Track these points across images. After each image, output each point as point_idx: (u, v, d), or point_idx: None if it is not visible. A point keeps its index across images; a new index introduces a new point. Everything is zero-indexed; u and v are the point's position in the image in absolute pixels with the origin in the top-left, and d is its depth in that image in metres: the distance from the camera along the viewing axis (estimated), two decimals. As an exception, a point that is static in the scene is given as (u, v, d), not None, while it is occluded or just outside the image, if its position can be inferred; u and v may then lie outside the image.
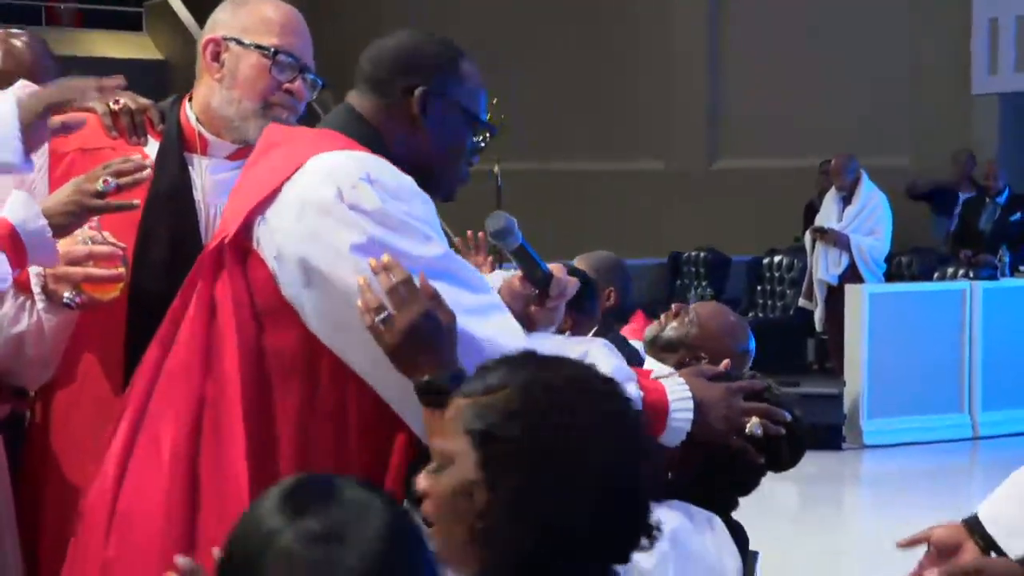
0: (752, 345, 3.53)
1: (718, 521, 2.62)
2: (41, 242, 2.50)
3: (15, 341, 2.64)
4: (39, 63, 3.37)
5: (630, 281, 5.37)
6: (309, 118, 2.80)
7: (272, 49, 2.75)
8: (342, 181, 2.33)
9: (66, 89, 2.45)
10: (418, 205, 2.38)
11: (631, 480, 1.86)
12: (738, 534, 2.67)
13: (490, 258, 4.21)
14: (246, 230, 2.41)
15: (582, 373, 1.91)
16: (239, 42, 2.76)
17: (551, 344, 2.58)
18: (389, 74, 2.49)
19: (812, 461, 9.55)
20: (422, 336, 2.22)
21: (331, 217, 2.32)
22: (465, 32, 15.43)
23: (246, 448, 2.35)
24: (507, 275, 2.78)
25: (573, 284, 2.74)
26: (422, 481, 1.91)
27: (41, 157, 2.77)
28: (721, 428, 2.50)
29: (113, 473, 2.43)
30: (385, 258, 2.24)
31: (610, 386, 1.92)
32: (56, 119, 2.54)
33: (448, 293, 2.28)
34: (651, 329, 3.59)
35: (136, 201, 2.60)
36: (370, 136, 2.47)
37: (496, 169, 11.63)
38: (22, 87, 2.96)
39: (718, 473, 2.63)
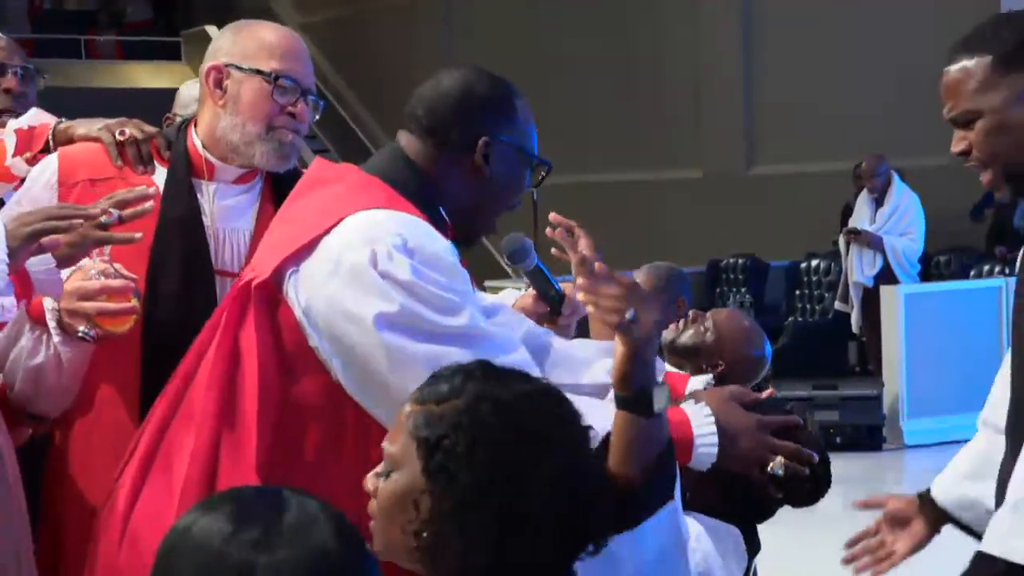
0: (768, 351, 3.59)
1: (734, 530, 2.66)
2: (47, 273, 2.54)
3: (34, 372, 2.65)
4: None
5: (690, 289, 5.44)
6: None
7: (273, 74, 2.77)
8: (378, 245, 2.33)
9: (50, 219, 2.47)
10: (450, 273, 2.38)
11: (575, 500, 1.85)
12: (750, 543, 2.71)
13: None
14: (277, 277, 2.41)
15: (534, 390, 1.91)
16: (240, 68, 2.79)
17: (583, 348, 2.61)
18: (448, 123, 2.49)
19: (853, 462, 9.57)
20: (655, 338, 2.19)
21: (361, 282, 2.32)
22: (494, 48, 15.53)
23: None
24: (518, 294, 2.83)
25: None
26: (369, 482, 1.92)
27: (50, 191, 2.83)
28: (744, 461, 2.45)
29: (128, 493, 2.47)
30: (601, 266, 2.21)
31: (562, 406, 1.93)
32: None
33: (470, 359, 2.26)
34: (667, 335, 3.66)
35: (139, 235, 2.59)
36: (420, 183, 2.48)
37: (531, 184, 11.65)
38: (35, 115, 3.07)
39: (733, 501, 2.63)
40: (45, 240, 2.46)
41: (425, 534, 1.83)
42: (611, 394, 2.38)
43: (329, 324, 2.36)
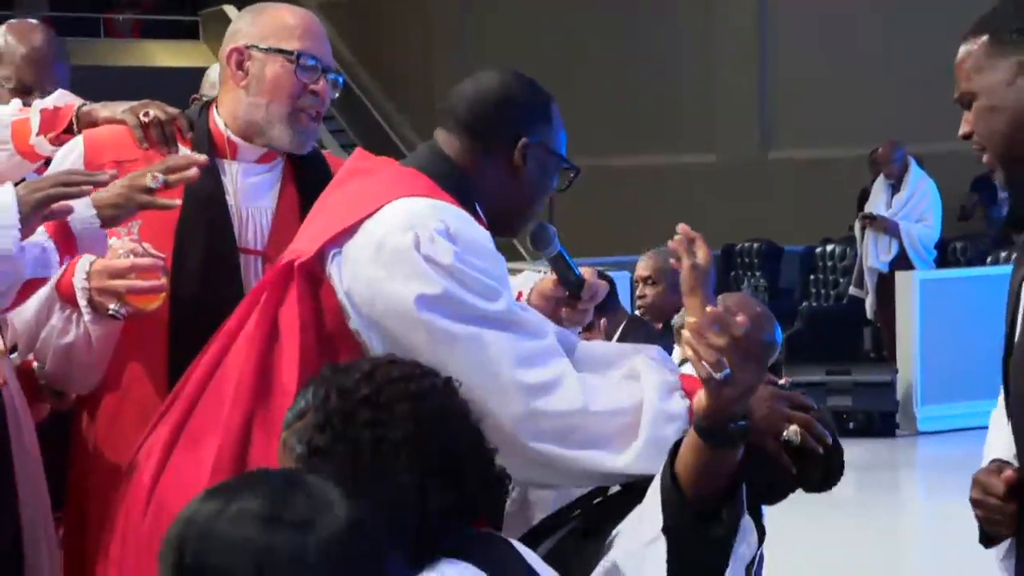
0: (779, 336, 3.59)
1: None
2: (90, 233, 2.57)
3: (65, 351, 2.73)
4: (55, 53, 3.53)
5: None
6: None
7: (295, 53, 2.82)
8: (421, 230, 2.40)
9: (61, 185, 2.50)
10: (489, 260, 2.46)
11: (444, 444, 1.98)
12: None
13: None
14: (320, 258, 2.47)
15: (377, 366, 2.03)
16: (262, 48, 2.83)
17: (605, 350, 2.68)
18: (490, 122, 2.58)
19: (867, 448, 9.58)
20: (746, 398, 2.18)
21: (404, 265, 2.39)
22: (510, 29, 15.53)
23: None
24: (536, 277, 2.88)
25: (603, 288, 2.83)
26: None
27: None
28: (761, 428, 2.41)
29: (154, 465, 2.52)
30: (716, 309, 2.16)
31: (404, 367, 2.04)
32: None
33: (508, 341, 2.36)
34: (679, 317, 3.67)
35: (177, 201, 2.64)
36: (456, 179, 2.55)
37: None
38: (60, 96, 3.10)
39: (745, 481, 2.61)
40: (56, 206, 2.49)
41: None
42: (628, 370, 2.45)
43: (370, 305, 2.42)
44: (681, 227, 2.71)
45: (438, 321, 2.37)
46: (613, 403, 2.42)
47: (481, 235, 2.48)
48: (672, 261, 2.41)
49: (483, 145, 2.58)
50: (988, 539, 2.54)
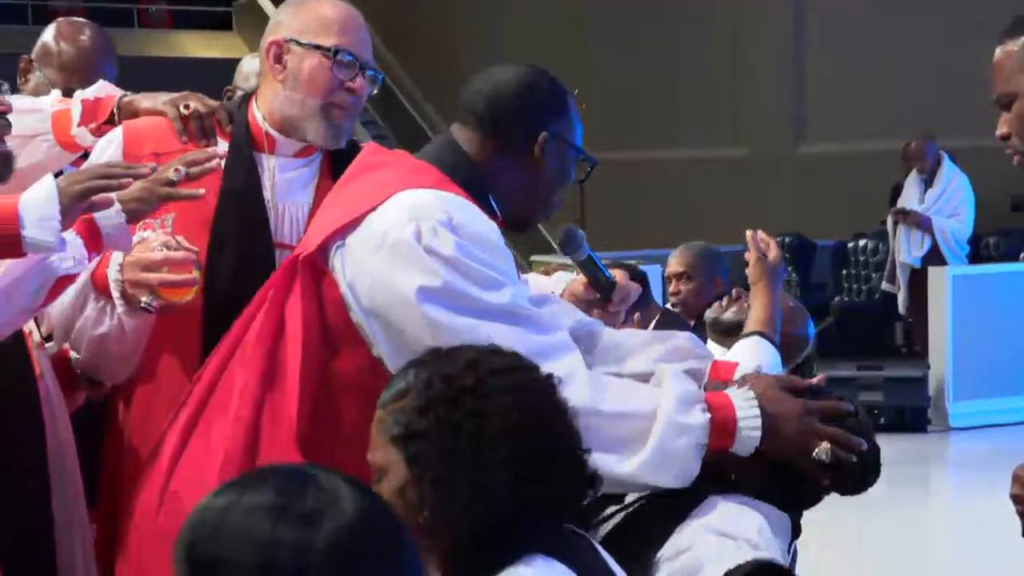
0: (812, 330, 3.59)
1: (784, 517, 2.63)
2: (115, 227, 2.58)
3: (99, 341, 2.75)
4: (103, 55, 3.52)
5: (727, 269, 5.45)
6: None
7: (332, 49, 2.80)
8: (423, 222, 2.40)
9: (101, 177, 2.51)
10: (494, 251, 2.46)
11: (544, 440, 1.97)
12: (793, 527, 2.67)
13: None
14: (323, 251, 2.49)
15: (481, 356, 2.01)
16: (300, 43, 2.81)
17: (630, 339, 2.67)
18: (511, 117, 2.57)
19: (898, 444, 9.56)
20: None
21: (405, 257, 2.40)
22: (532, 23, 15.52)
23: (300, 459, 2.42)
24: (569, 278, 2.89)
25: (635, 290, 2.86)
26: None
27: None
28: (791, 446, 2.45)
29: (168, 459, 2.54)
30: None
31: (508, 358, 2.02)
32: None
33: (512, 334, 2.34)
34: (711, 312, 3.67)
35: (202, 191, 2.64)
36: (470, 173, 2.55)
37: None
38: (102, 87, 3.11)
39: (779, 486, 2.59)
40: (96, 198, 2.50)
41: (421, 519, 1.92)
42: (655, 377, 2.45)
43: (372, 297, 2.42)
44: (750, 233, 2.96)
45: (439, 313, 2.37)
46: (626, 406, 2.39)
47: (486, 227, 2.48)
48: (746, 255, 2.69)
49: (502, 140, 2.58)
50: None
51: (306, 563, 1.47)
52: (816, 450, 2.43)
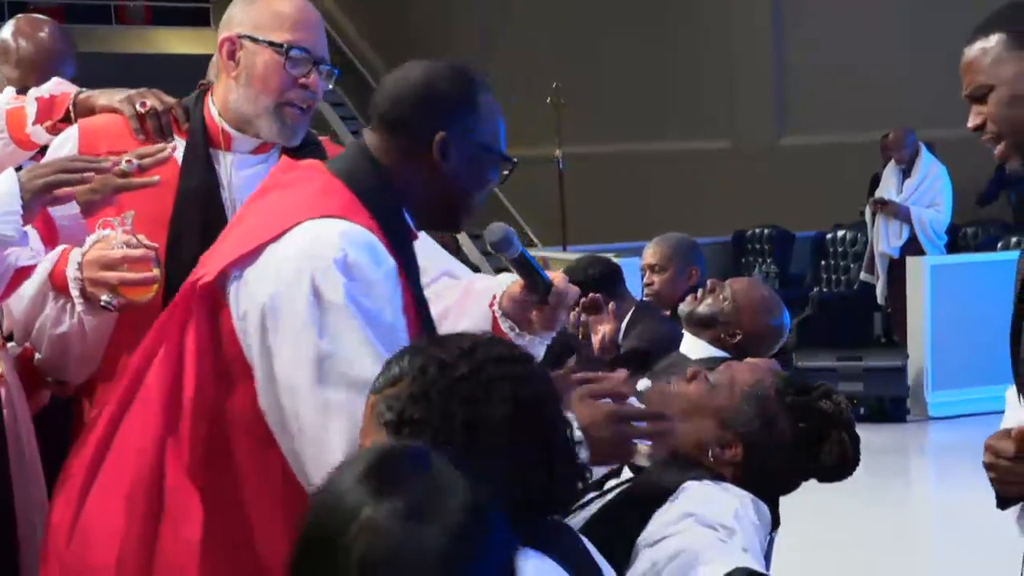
0: (787, 319, 3.61)
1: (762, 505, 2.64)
2: (71, 220, 2.57)
3: (59, 341, 2.71)
4: (62, 53, 3.50)
5: (704, 260, 5.45)
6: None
7: (285, 45, 2.76)
8: (316, 262, 2.32)
9: (62, 171, 2.51)
10: (384, 292, 2.37)
11: (540, 431, 1.95)
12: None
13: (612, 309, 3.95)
14: (221, 280, 2.42)
15: (474, 343, 1.99)
16: (252, 39, 2.77)
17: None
18: (408, 117, 2.46)
19: (877, 434, 9.58)
20: None
21: (294, 301, 2.32)
22: (523, 18, 15.51)
23: (202, 513, 2.39)
24: (514, 277, 2.77)
25: (573, 292, 2.72)
26: None
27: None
28: (606, 453, 2.29)
29: (78, 489, 2.49)
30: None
31: (504, 347, 2.01)
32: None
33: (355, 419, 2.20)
34: (685, 305, 3.69)
35: (156, 178, 2.62)
36: (382, 183, 2.46)
37: (558, 153, 11.65)
38: (56, 85, 3.09)
39: (751, 473, 2.59)
40: (58, 192, 2.49)
41: None
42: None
43: (259, 336, 2.36)
44: None
45: (306, 377, 2.30)
46: None
47: (381, 273, 2.37)
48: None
49: (404, 141, 2.47)
50: (1003, 501, 2.58)
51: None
52: (638, 456, 2.37)
